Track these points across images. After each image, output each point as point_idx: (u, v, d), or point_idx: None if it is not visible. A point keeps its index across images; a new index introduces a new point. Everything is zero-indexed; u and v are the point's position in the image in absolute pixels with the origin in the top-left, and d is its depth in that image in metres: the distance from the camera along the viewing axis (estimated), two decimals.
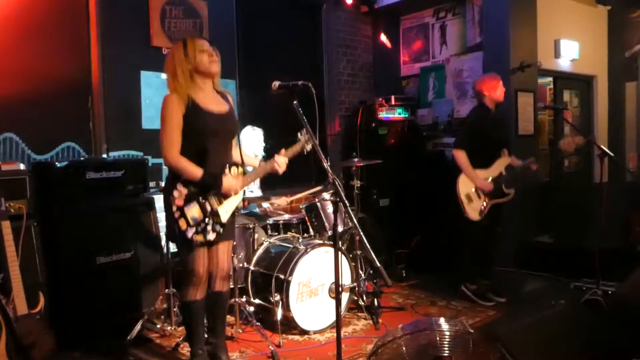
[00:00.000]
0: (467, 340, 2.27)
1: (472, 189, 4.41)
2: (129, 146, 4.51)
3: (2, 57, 3.87)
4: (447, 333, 2.26)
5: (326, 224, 4.15)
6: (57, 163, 3.70)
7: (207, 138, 2.89)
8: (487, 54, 5.79)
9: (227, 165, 2.97)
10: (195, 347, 3.08)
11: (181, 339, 3.65)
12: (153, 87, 4.67)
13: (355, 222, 2.23)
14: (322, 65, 6.31)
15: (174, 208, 2.85)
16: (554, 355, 2.75)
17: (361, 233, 2.25)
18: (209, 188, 2.89)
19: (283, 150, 3.07)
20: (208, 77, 2.97)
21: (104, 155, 4.34)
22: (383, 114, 6.08)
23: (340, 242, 4.18)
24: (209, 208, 2.89)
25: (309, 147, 2.91)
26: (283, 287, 3.74)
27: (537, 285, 4.98)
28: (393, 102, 6.14)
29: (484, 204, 4.41)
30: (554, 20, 6.19)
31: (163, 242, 4.01)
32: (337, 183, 2.23)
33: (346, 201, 2.22)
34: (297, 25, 6.13)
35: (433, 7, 6.44)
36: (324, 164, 2.28)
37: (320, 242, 4.01)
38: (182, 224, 2.84)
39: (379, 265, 2.16)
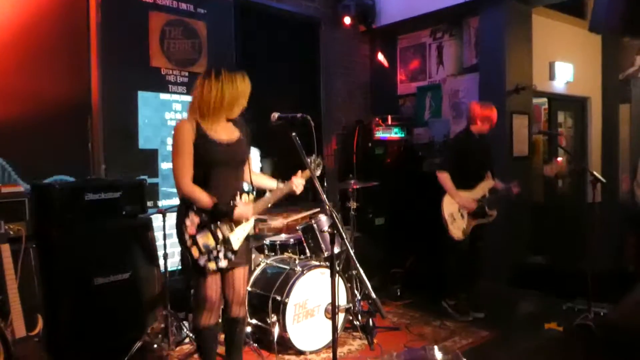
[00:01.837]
0: None
1: (456, 209, 4.57)
2: (127, 167, 4.54)
3: (2, 79, 3.91)
4: None
5: (322, 245, 4.19)
6: (56, 185, 3.71)
7: (216, 167, 2.87)
8: (483, 75, 5.87)
9: (238, 192, 2.95)
10: None
11: (179, 359, 3.69)
12: (151, 107, 4.72)
13: (352, 254, 2.26)
14: (320, 84, 6.37)
15: (187, 237, 2.84)
16: None
17: (359, 268, 2.28)
18: (220, 216, 2.88)
19: (300, 172, 3.05)
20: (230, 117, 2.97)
21: (102, 175, 4.37)
22: (379, 134, 6.15)
23: (335, 263, 4.24)
24: (220, 236, 2.88)
25: (318, 172, 2.90)
26: (280, 309, 3.77)
27: (530, 306, 5.01)
28: (390, 122, 6.21)
29: (467, 223, 4.55)
30: (549, 42, 6.28)
31: (161, 263, 4.03)
32: (334, 215, 2.27)
33: (343, 233, 2.26)
34: (296, 45, 6.20)
35: (430, 27, 6.52)
36: (322, 196, 2.32)
37: (317, 263, 4.05)
38: (195, 252, 2.84)
39: (374, 297, 2.19)
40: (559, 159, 4.77)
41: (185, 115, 4.54)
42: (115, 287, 3.81)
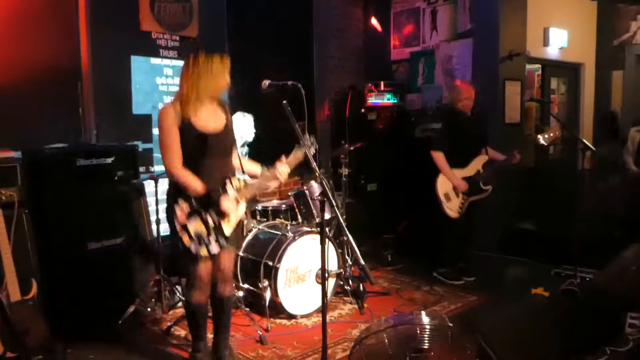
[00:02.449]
0: (446, 333, 2.38)
1: (450, 188, 4.61)
2: (119, 132, 4.51)
3: None
4: (427, 326, 2.38)
5: (314, 211, 4.22)
6: (47, 150, 3.70)
7: (203, 156, 2.87)
8: (477, 41, 5.83)
9: (227, 179, 2.94)
10: (198, 343, 3.14)
11: (172, 322, 3.76)
12: (142, 72, 4.68)
13: (342, 221, 2.29)
14: (313, 48, 6.30)
15: (177, 224, 2.85)
16: (530, 347, 2.87)
17: (348, 234, 2.32)
18: (210, 204, 2.87)
19: (284, 157, 2.92)
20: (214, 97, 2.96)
21: (94, 141, 4.36)
22: (372, 100, 6.13)
23: (327, 229, 4.29)
24: (211, 222, 2.88)
25: (312, 150, 2.88)
26: (271, 274, 3.83)
27: (519, 271, 5.11)
28: (382, 88, 6.19)
29: (462, 202, 4.59)
30: (544, 8, 6.22)
31: (153, 227, 4.07)
32: (324, 183, 2.29)
33: (333, 200, 2.29)
34: (288, 8, 6.10)
35: None
36: (312, 164, 2.34)
37: (308, 229, 4.09)
38: (186, 239, 2.84)
39: (363, 264, 2.24)
40: (554, 132, 4.71)
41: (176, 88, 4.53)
42: (109, 251, 3.86)
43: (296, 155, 2.87)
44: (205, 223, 2.86)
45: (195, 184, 2.82)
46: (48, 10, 4.15)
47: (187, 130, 2.81)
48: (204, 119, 2.87)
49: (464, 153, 4.63)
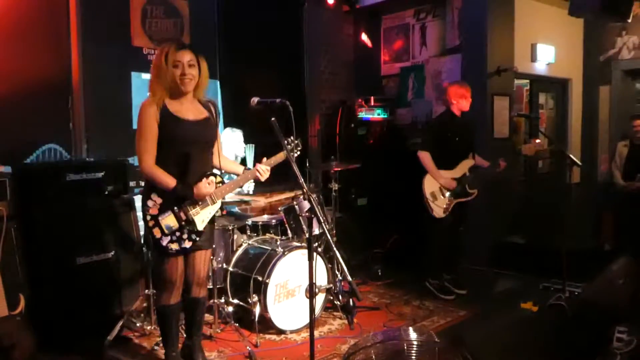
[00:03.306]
0: (433, 349, 2.39)
1: (437, 188, 4.65)
2: (111, 146, 4.52)
3: None
4: (415, 342, 2.39)
5: (304, 226, 4.23)
6: (37, 164, 3.71)
7: (181, 146, 2.90)
8: (465, 57, 5.89)
9: (205, 173, 2.98)
10: (169, 348, 3.16)
11: (161, 338, 3.74)
12: (134, 87, 4.70)
13: (330, 237, 2.31)
14: (304, 63, 6.35)
15: (149, 217, 2.88)
16: None
17: (335, 250, 2.34)
18: (183, 198, 2.91)
19: (265, 159, 3.07)
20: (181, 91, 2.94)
21: (84, 156, 4.36)
22: (362, 114, 6.19)
23: (317, 244, 4.30)
24: (184, 217, 2.90)
25: (296, 153, 2.94)
26: (261, 289, 3.82)
27: (507, 285, 5.13)
28: (372, 103, 6.24)
29: (448, 202, 4.61)
30: (531, 24, 6.30)
31: (143, 243, 4.06)
32: (311, 199, 2.31)
33: (320, 216, 2.31)
34: (279, 24, 6.14)
35: (414, 7, 6.52)
36: (299, 179, 2.36)
37: (298, 244, 4.10)
38: (157, 232, 2.88)
39: (350, 279, 2.25)
40: (537, 140, 4.85)
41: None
42: (98, 266, 3.86)
43: (277, 157, 3.02)
44: (178, 218, 2.89)
45: (166, 181, 2.85)
46: (39, 24, 4.19)
47: (167, 119, 2.86)
48: (183, 110, 2.93)
49: (453, 155, 4.68)
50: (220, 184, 3.03)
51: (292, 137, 2.91)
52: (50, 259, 3.64)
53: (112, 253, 3.95)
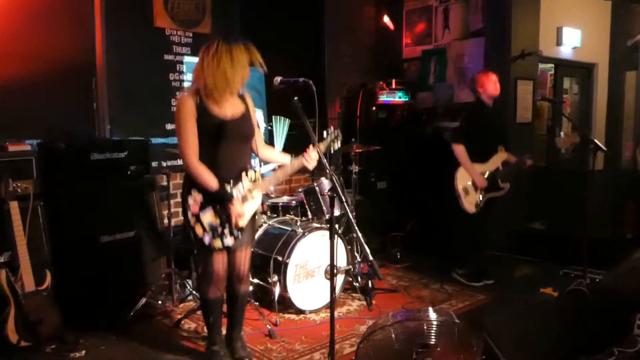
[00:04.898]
0: (453, 329, 2.40)
1: (469, 182, 4.56)
2: (133, 127, 4.56)
3: (6, 40, 3.92)
4: (435, 322, 2.40)
5: (324, 207, 4.24)
6: (62, 143, 3.77)
7: (220, 143, 2.81)
8: (488, 40, 5.81)
9: (244, 170, 2.93)
10: (213, 336, 3.15)
11: (183, 315, 3.81)
12: (156, 68, 4.73)
13: (352, 218, 2.32)
14: (324, 46, 6.31)
15: (189, 214, 2.83)
16: (537, 345, 2.88)
17: (357, 231, 2.35)
18: (224, 199, 2.84)
19: (311, 147, 2.90)
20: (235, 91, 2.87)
21: (108, 135, 4.41)
22: (383, 97, 6.14)
23: (337, 226, 4.31)
24: (225, 214, 2.85)
25: (337, 145, 2.92)
26: (281, 269, 3.86)
27: (527, 271, 5.11)
28: (394, 86, 6.19)
29: (480, 197, 4.55)
30: (557, 7, 6.20)
31: (165, 221, 4.12)
32: (334, 179, 2.32)
33: (342, 196, 2.32)
34: (300, 6, 6.11)
35: None
36: (323, 160, 2.37)
37: (318, 225, 4.12)
38: (199, 230, 2.82)
39: (372, 259, 2.26)
40: (573, 136, 4.67)
41: (188, 84, 4.53)
42: (121, 245, 3.93)
43: (325, 144, 2.98)
44: (219, 215, 2.83)
45: (209, 181, 2.78)
46: (64, 5, 4.21)
47: (205, 117, 2.76)
48: (222, 107, 2.83)
49: (486, 148, 4.58)
50: (260, 179, 2.95)
51: (332, 128, 2.91)
52: (75, 237, 3.72)
53: (135, 232, 4.01)
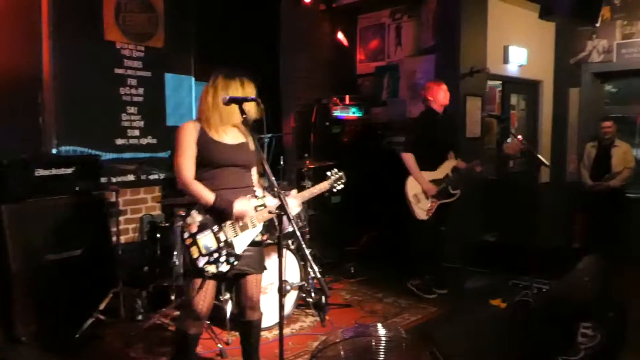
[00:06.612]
0: (401, 344, 2.42)
1: (419, 190, 4.63)
2: (83, 142, 4.47)
3: None
4: (383, 338, 2.41)
5: (276, 225, 4.22)
6: (4, 161, 3.65)
7: (220, 167, 2.80)
8: (439, 57, 5.97)
9: (248, 194, 2.87)
10: None
11: (131, 335, 3.71)
12: (106, 81, 4.65)
13: (300, 235, 2.33)
14: (279, 61, 6.33)
15: (186, 235, 2.75)
16: (486, 356, 2.94)
17: (304, 248, 2.36)
18: (223, 216, 2.78)
19: (295, 191, 3.02)
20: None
21: (54, 151, 4.30)
22: (337, 113, 6.21)
23: (290, 242, 4.30)
24: (223, 238, 2.78)
25: (340, 186, 2.98)
26: (232, 286, 3.82)
27: (479, 283, 5.21)
28: (347, 102, 6.27)
29: (431, 204, 4.61)
30: (504, 27, 6.40)
31: (114, 239, 4.03)
32: (282, 197, 2.33)
33: (291, 214, 2.33)
34: (256, 21, 6.12)
35: (389, 8, 6.58)
36: (270, 177, 2.38)
37: (270, 242, 4.09)
38: (194, 252, 2.73)
39: (319, 276, 2.27)
40: (519, 137, 4.74)
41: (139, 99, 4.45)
42: (68, 263, 3.82)
43: (315, 189, 3.11)
44: (217, 238, 2.77)
45: (205, 195, 2.74)
46: (8, 16, 4.10)
47: (205, 140, 2.77)
48: (220, 135, 2.82)
49: (435, 156, 4.67)
50: (262, 207, 2.88)
51: (335, 170, 2.94)
52: (20, 256, 3.60)
53: (82, 250, 3.91)
